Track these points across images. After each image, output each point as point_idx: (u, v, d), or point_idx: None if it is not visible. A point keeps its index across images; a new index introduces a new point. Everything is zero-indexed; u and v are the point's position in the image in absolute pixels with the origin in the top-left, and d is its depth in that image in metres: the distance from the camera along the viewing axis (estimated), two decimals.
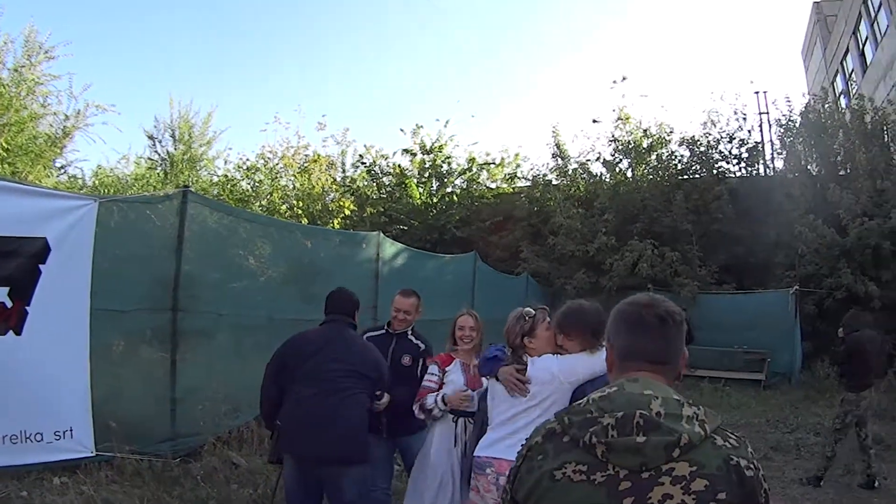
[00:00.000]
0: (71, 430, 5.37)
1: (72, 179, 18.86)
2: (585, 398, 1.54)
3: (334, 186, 20.02)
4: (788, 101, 19.26)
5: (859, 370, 7.50)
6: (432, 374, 4.56)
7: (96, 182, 21.08)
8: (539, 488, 1.46)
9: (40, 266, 5.29)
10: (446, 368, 4.54)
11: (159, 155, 21.55)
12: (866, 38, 21.86)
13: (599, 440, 1.39)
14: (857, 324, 7.93)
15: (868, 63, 21.71)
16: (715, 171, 19.04)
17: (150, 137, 21.41)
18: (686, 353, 1.69)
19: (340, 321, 4.52)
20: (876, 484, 7.26)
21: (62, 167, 18.25)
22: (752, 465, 1.42)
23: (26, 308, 5.18)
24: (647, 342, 1.62)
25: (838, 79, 25.13)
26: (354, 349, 4.41)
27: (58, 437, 5.29)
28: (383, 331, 5.18)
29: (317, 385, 4.15)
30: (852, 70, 23.46)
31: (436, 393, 4.43)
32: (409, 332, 5.20)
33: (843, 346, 7.83)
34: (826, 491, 7.16)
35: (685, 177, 19.27)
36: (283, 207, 18.50)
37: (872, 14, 20.95)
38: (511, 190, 21.42)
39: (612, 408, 1.43)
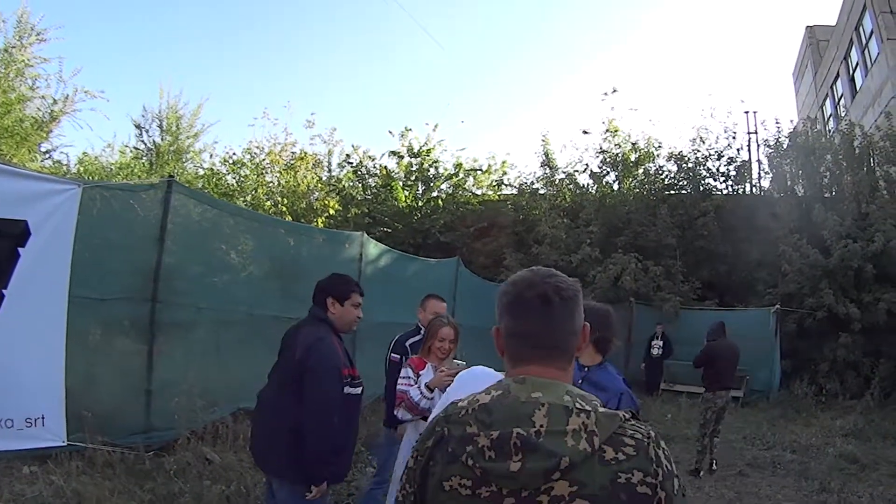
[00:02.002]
0: (43, 418, 5.28)
1: (56, 165, 18.54)
2: (469, 401, 1.42)
3: (319, 185, 19.91)
4: (777, 123, 19.45)
5: (713, 374, 8.70)
6: (407, 377, 4.50)
7: (81, 169, 20.78)
8: (433, 494, 1.40)
9: (19, 249, 5.20)
10: (420, 372, 4.49)
11: (145, 145, 21.23)
12: (857, 65, 22.12)
13: (476, 463, 1.32)
14: (717, 334, 9.00)
15: (857, 89, 21.96)
16: (701, 188, 19.19)
17: (138, 126, 21.09)
18: (587, 326, 1.55)
19: (308, 315, 3.97)
20: (700, 474, 8.36)
21: (47, 152, 17.98)
22: (647, 481, 1.29)
23: (2, 291, 5.08)
24: (531, 326, 1.49)
25: (828, 103, 25.41)
26: (291, 351, 3.75)
27: (29, 425, 5.19)
28: (421, 336, 5.14)
29: (265, 388, 3.96)
30: (841, 95, 23.71)
31: (414, 387, 4.39)
32: None
33: (703, 352, 8.96)
34: None
35: (671, 192, 19.37)
36: (268, 204, 18.38)
37: (864, 41, 21.20)
38: (497, 197, 21.43)
39: (490, 421, 1.34)
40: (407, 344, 5.25)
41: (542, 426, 1.30)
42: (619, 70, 68.68)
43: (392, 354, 5.35)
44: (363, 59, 61.51)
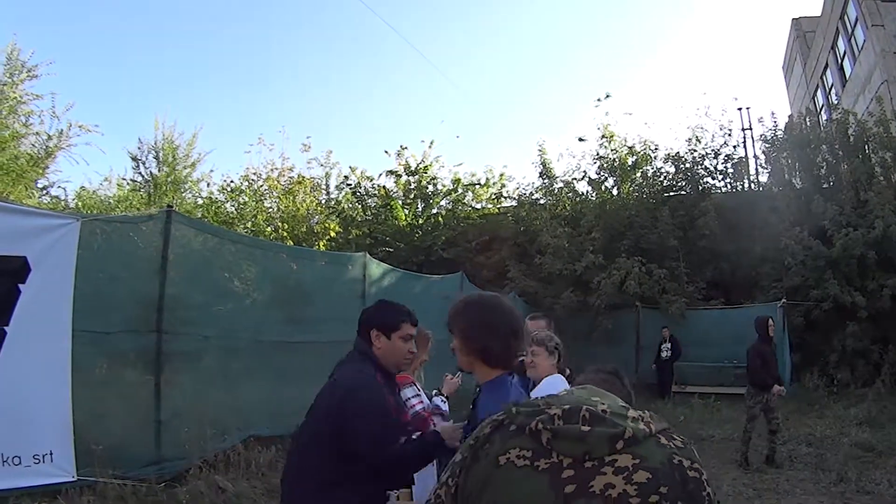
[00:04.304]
0: (51, 454, 5.25)
1: (54, 200, 18.59)
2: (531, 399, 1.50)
3: (319, 208, 19.96)
4: (774, 117, 19.44)
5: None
6: (416, 395, 4.19)
7: (80, 203, 20.85)
8: (483, 476, 1.38)
9: (20, 286, 5.20)
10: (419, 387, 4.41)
11: (143, 177, 21.22)
12: (844, 53, 22.17)
13: (545, 427, 1.35)
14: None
15: (847, 77, 22.00)
16: (700, 187, 19.17)
17: (134, 159, 21.10)
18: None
19: (353, 349, 3.19)
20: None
21: (44, 188, 18.05)
22: (695, 468, 1.35)
23: (4, 329, 5.08)
24: None
25: (819, 93, 25.44)
26: (323, 391, 3.03)
27: (37, 461, 5.16)
28: None
29: (296, 432, 3.20)
30: (832, 84, 23.75)
31: (436, 399, 4.34)
32: None
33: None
34: (819, 499, 7.11)
35: (671, 193, 19.37)
36: (268, 230, 18.43)
37: (849, 29, 21.26)
38: (497, 210, 21.44)
39: (560, 402, 1.40)
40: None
41: (605, 409, 1.37)
42: (614, 78, 68.75)
43: None
44: (358, 82, 61.75)
